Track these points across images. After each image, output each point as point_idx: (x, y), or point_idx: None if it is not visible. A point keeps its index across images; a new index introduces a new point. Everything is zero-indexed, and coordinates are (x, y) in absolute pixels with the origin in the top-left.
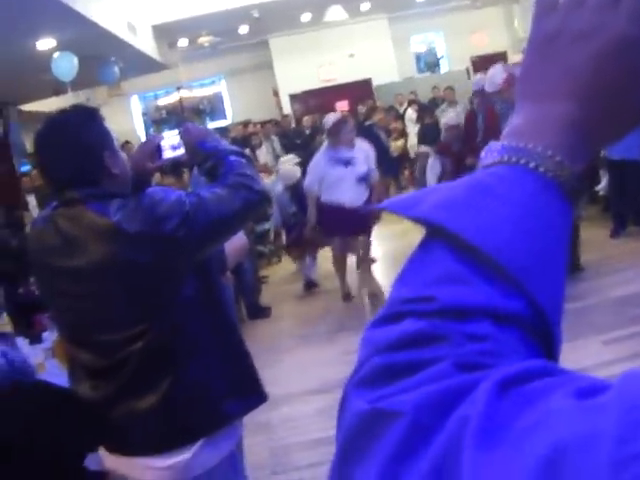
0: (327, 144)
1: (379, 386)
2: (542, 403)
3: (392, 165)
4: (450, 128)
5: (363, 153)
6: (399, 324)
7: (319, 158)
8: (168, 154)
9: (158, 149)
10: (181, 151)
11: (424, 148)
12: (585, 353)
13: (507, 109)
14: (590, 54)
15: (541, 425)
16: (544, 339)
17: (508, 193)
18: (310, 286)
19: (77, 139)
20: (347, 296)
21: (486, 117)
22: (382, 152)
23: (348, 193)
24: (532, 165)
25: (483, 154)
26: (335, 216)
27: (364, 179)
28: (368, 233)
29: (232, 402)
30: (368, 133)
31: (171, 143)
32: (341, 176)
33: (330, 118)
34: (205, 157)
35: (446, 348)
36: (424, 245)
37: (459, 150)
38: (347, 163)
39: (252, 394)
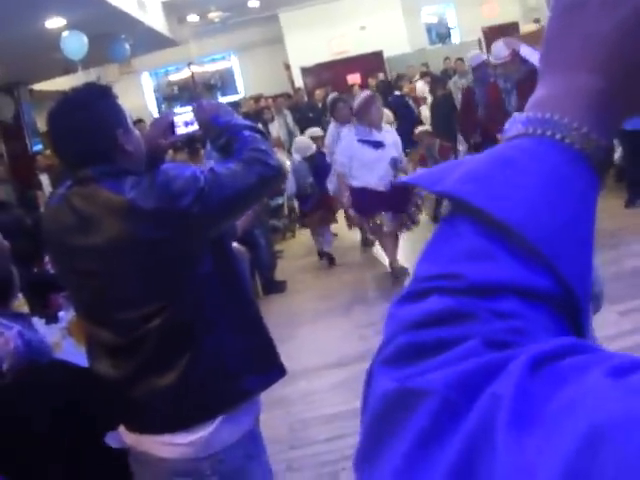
0: (354, 124)
1: (406, 365)
2: (577, 382)
3: None
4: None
5: (392, 138)
6: (425, 301)
7: (349, 138)
8: (181, 130)
9: (171, 126)
10: (194, 127)
11: (422, 128)
12: (602, 324)
13: (512, 86)
14: (615, 23)
15: (577, 405)
16: (573, 316)
17: (534, 166)
18: (323, 257)
19: (90, 117)
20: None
21: (488, 92)
22: (415, 122)
23: (379, 176)
24: (558, 137)
25: (507, 126)
26: (369, 199)
27: (395, 164)
28: (407, 210)
29: (251, 377)
30: (400, 103)
31: (184, 119)
32: (373, 158)
33: (358, 98)
34: (219, 132)
35: (474, 326)
36: (449, 220)
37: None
38: (378, 145)
39: (271, 369)
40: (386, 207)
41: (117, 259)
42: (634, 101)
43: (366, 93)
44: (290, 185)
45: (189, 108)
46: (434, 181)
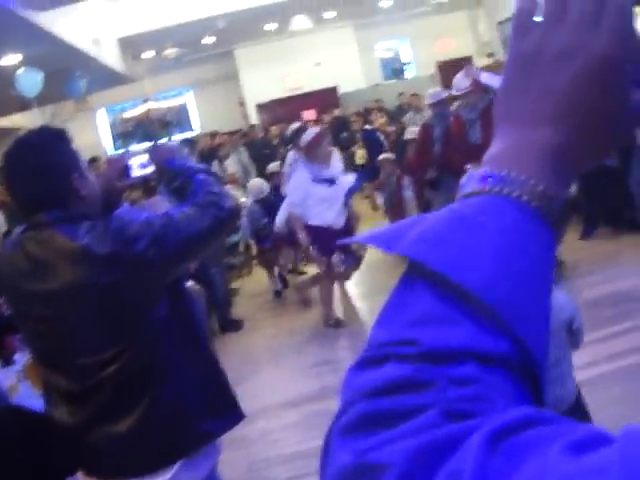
0: (303, 161)
1: (364, 435)
2: (535, 459)
3: None
4: (409, 143)
5: (339, 166)
6: (382, 369)
7: (302, 177)
8: (136, 173)
9: (126, 168)
10: (149, 169)
11: (386, 155)
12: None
13: (476, 116)
14: (570, 76)
15: None
16: (531, 378)
17: (492, 226)
18: (279, 295)
19: (44, 161)
20: (338, 322)
21: (451, 126)
22: None
23: (336, 213)
24: (515, 194)
25: (464, 180)
26: (327, 237)
27: (347, 197)
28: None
29: (209, 422)
30: (370, 137)
31: (139, 162)
32: (328, 196)
33: (307, 135)
34: (173, 175)
35: (432, 394)
36: (404, 282)
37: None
38: (331, 182)
39: (229, 413)
40: (340, 248)
41: (72, 305)
42: (590, 153)
43: (314, 130)
44: (244, 225)
45: (144, 150)
46: (389, 241)
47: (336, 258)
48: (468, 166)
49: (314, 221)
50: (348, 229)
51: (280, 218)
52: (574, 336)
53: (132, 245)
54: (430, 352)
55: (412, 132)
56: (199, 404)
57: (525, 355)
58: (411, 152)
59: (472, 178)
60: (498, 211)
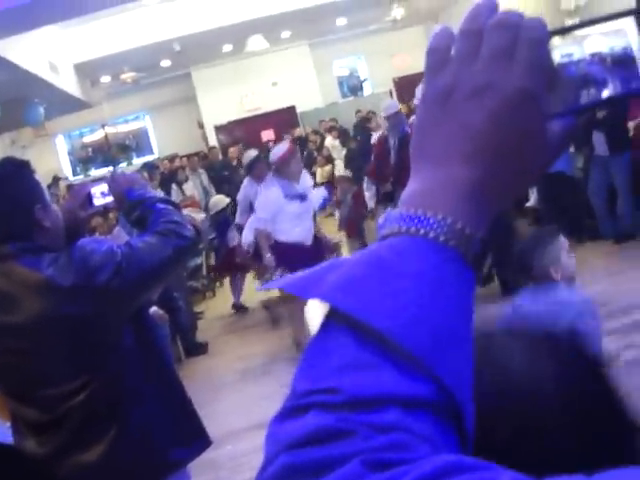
0: (273, 177)
1: None
2: None
3: None
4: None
5: (309, 181)
6: (304, 419)
7: (273, 193)
8: (99, 201)
9: (89, 197)
10: (110, 198)
11: (342, 172)
12: None
13: (394, 139)
14: (484, 111)
15: None
16: (455, 419)
17: (409, 268)
18: (239, 309)
19: (7, 193)
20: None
21: (408, 137)
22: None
23: (306, 229)
24: (432, 235)
25: (381, 221)
26: (297, 254)
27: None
28: None
29: (177, 449)
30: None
31: (101, 190)
32: (300, 212)
33: (277, 151)
34: (132, 205)
35: (354, 444)
36: (325, 329)
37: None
38: (302, 198)
39: (196, 440)
40: (308, 264)
41: (38, 337)
42: (508, 188)
43: (284, 146)
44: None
45: (104, 179)
46: (308, 287)
47: None
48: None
49: (283, 238)
50: (318, 246)
51: (247, 236)
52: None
53: (95, 276)
54: (352, 400)
55: (374, 139)
56: (167, 432)
57: (449, 397)
58: (370, 164)
59: (390, 219)
60: (416, 253)
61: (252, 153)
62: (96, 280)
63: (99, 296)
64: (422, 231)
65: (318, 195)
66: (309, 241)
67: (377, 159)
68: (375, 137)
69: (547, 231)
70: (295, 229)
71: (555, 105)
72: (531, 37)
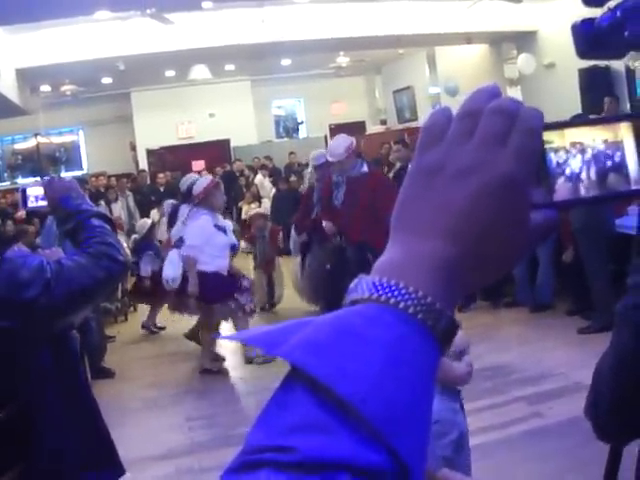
0: (198, 208)
1: None
2: None
3: None
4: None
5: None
6: (255, 475)
7: (206, 222)
8: (32, 204)
9: (23, 197)
10: (44, 202)
11: (257, 210)
12: None
13: (342, 180)
14: (470, 191)
15: None
16: None
17: (376, 336)
18: (151, 331)
19: None
20: (220, 369)
21: (322, 187)
22: None
23: (226, 263)
24: (402, 306)
25: (352, 286)
26: (221, 284)
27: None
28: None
29: (88, 476)
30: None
31: (36, 193)
32: (224, 243)
33: (201, 183)
34: (67, 215)
35: None
36: (286, 386)
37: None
38: (225, 230)
39: (109, 468)
40: (226, 294)
41: None
42: (483, 271)
43: (208, 178)
44: None
45: (41, 183)
46: (273, 343)
47: (233, 303)
48: (324, 224)
49: (208, 267)
50: (232, 274)
51: (170, 271)
52: (463, 453)
53: (23, 291)
54: (305, 461)
55: (304, 189)
56: (79, 458)
57: (401, 469)
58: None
59: (360, 284)
60: (384, 321)
61: (191, 178)
62: (23, 295)
63: (25, 312)
64: (392, 300)
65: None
66: (225, 272)
67: (303, 207)
68: (303, 188)
69: None
70: (219, 259)
71: (540, 196)
72: (526, 126)
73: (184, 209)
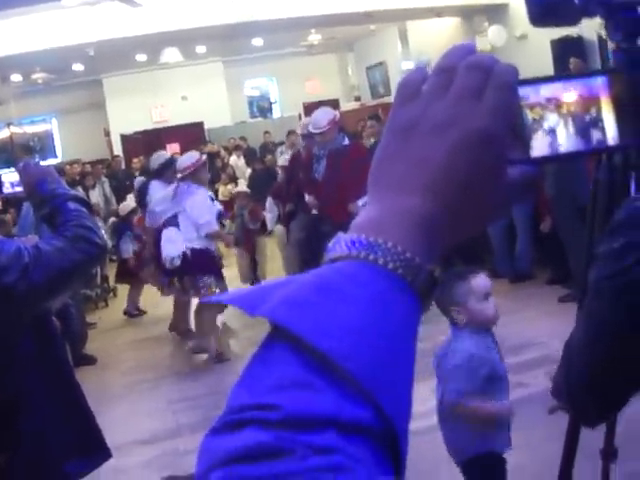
0: (189, 183)
1: None
2: None
3: None
4: (283, 168)
5: None
6: (240, 435)
7: (206, 197)
8: (7, 190)
9: None
10: (20, 188)
11: (240, 188)
12: (414, 399)
13: (323, 154)
14: (446, 146)
15: None
16: (391, 446)
17: (356, 292)
18: (131, 315)
19: None
20: (220, 355)
21: (303, 159)
22: None
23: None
24: (381, 262)
25: (330, 244)
26: (211, 259)
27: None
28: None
29: (74, 461)
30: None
31: (11, 180)
32: (217, 214)
33: (188, 158)
34: (42, 200)
35: (292, 463)
36: (268, 345)
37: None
38: (214, 200)
39: (95, 452)
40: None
41: None
42: (462, 226)
43: (195, 154)
44: None
45: (16, 169)
46: (254, 303)
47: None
48: (307, 198)
49: (201, 244)
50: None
51: (171, 250)
52: (497, 384)
53: (1, 276)
54: (290, 418)
55: (285, 160)
56: (64, 443)
57: (387, 424)
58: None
59: (339, 242)
60: (364, 278)
61: (163, 155)
62: (2, 280)
63: (2, 297)
64: (371, 257)
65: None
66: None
67: (287, 177)
68: (284, 158)
69: (459, 271)
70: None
71: (517, 151)
72: (501, 81)
73: (156, 185)
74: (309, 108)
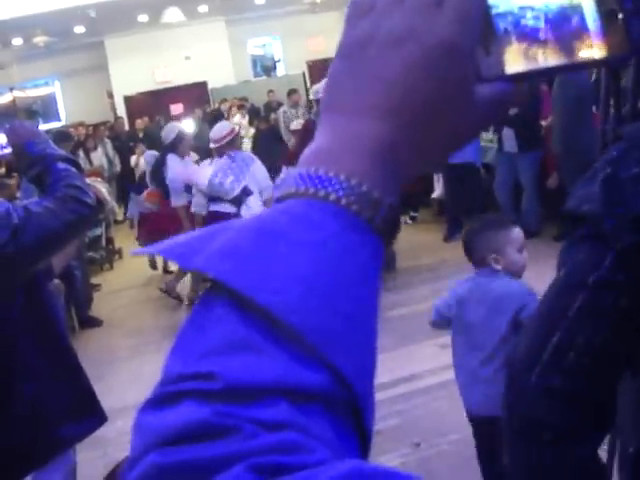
0: (236, 152)
1: None
2: None
3: None
4: (295, 133)
5: None
6: (176, 410)
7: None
8: None
9: None
10: (8, 150)
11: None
12: (421, 357)
13: None
14: (402, 62)
15: None
16: (353, 412)
17: (304, 236)
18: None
19: None
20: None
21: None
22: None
23: None
24: (332, 198)
25: (278, 181)
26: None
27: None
28: None
29: (70, 425)
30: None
31: None
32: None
33: (221, 128)
34: (31, 161)
35: (237, 443)
36: (205, 302)
37: None
38: None
39: (90, 416)
40: None
41: None
42: (426, 153)
43: (228, 124)
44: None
45: (2, 130)
46: (188, 254)
47: None
48: None
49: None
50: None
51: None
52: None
53: None
54: (231, 388)
55: (298, 124)
56: (59, 408)
57: (345, 388)
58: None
59: (286, 179)
60: (313, 218)
61: (175, 128)
62: None
63: None
64: (321, 193)
65: None
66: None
67: (301, 141)
68: (298, 123)
69: (496, 220)
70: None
71: (487, 67)
72: None
73: (174, 159)
74: (313, 66)
